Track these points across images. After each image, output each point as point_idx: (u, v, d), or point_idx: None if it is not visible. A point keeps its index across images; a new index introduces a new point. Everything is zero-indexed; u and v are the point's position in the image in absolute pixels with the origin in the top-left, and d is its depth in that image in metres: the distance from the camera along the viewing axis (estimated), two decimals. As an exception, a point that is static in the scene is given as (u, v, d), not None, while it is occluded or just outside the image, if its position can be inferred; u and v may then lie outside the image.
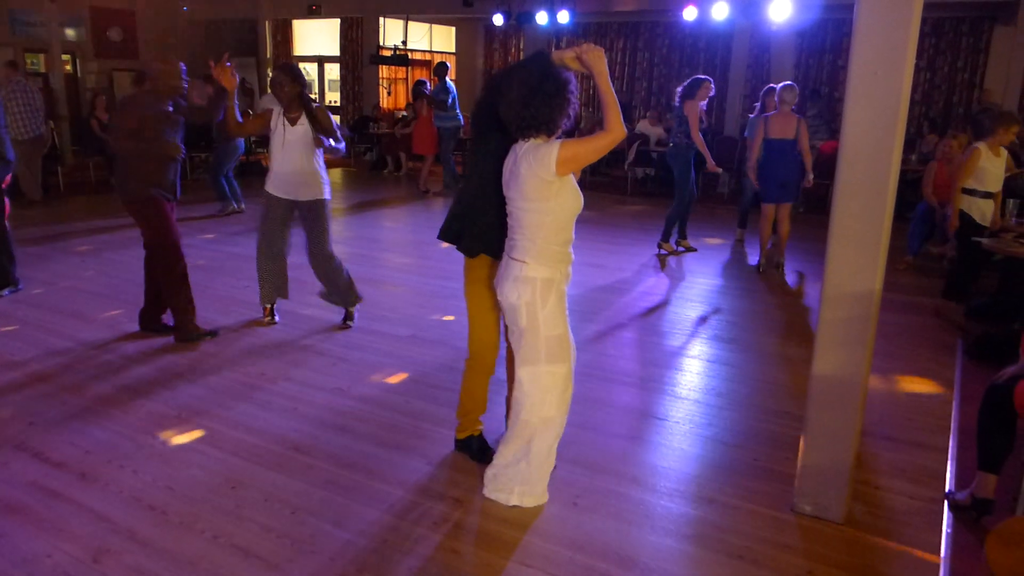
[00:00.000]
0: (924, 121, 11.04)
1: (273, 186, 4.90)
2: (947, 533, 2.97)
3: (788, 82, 7.04)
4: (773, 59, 12.34)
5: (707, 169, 7.66)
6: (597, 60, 2.76)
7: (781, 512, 3.08)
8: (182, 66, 4.72)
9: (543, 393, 2.91)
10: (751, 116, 8.13)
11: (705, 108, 7.45)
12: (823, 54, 12.31)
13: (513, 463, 3.05)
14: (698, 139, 7.27)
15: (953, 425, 3.92)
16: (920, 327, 5.56)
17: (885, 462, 3.52)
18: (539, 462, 3.02)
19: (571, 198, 2.82)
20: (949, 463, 3.53)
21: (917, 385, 4.48)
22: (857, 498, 3.16)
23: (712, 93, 7.38)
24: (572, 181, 2.84)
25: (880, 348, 2.90)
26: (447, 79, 10.86)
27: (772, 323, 5.71)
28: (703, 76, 7.41)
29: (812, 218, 9.55)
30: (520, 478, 3.04)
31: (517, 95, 2.76)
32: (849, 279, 2.82)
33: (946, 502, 3.15)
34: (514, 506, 3.06)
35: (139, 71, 9.57)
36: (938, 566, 2.77)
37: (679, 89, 7.43)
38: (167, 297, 4.88)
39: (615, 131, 2.70)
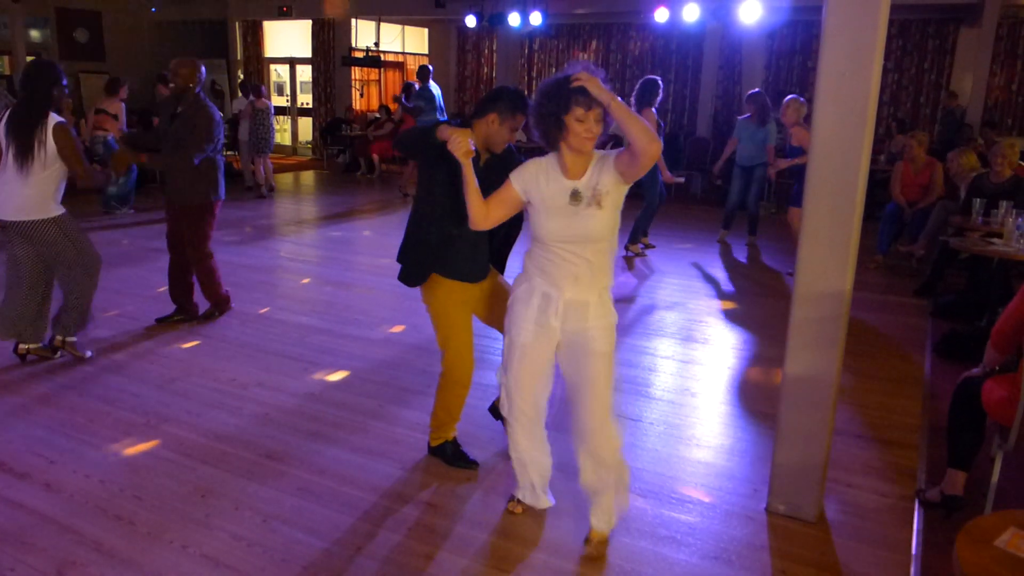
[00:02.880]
0: (892, 122, 11.20)
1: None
2: (918, 530, 3.00)
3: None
4: (744, 61, 12.45)
5: (664, 180, 7.69)
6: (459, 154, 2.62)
7: (754, 512, 3.10)
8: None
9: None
10: (740, 118, 8.22)
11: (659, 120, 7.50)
12: (793, 56, 12.45)
13: None
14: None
15: (923, 423, 3.97)
16: (890, 325, 5.63)
17: (857, 460, 3.55)
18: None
19: (537, 222, 2.64)
20: (919, 461, 3.57)
21: (887, 383, 4.52)
22: (829, 497, 3.18)
23: (660, 98, 7.43)
24: (541, 210, 2.61)
25: (850, 347, 2.92)
26: (428, 82, 10.75)
27: (746, 323, 5.75)
28: (656, 79, 7.36)
29: (786, 218, 9.62)
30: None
31: None
32: (820, 279, 2.84)
33: (917, 499, 3.19)
34: (487, 509, 3.05)
35: (112, 78, 9.43)
36: (909, 563, 2.80)
37: (634, 93, 7.32)
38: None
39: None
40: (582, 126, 2.48)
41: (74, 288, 4.46)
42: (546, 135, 2.57)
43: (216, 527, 2.91)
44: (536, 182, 2.61)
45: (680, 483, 3.34)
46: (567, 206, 2.56)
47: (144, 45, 14.90)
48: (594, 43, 13.97)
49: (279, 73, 16.27)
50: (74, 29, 14.03)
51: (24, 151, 4.10)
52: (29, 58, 13.22)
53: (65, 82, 4.32)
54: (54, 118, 4.15)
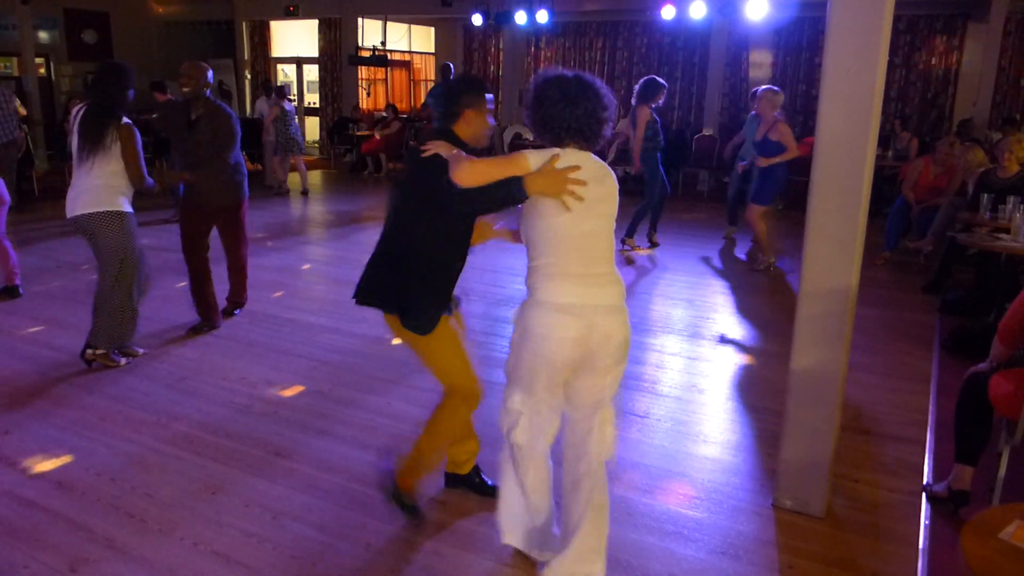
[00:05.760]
0: (897, 119, 11.15)
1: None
2: (925, 525, 3.00)
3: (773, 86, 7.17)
4: (751, 58, 12.42)
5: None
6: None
7: (762, 507, 3.10)
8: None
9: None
10: (750, 114, 8.20)
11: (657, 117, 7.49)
12: (800, 52, 12.40)
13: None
14: (637, 146, 7.40)
15: (930, 418, 3.96)
16: (897, 322, 5.62)
17: (864, 456, 3.55)
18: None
19: None
20: (927, 456, 3.57)
21: (894, 379, 4.52)
22: (837, 492, 3.18)
23: (662, 101, 7.45)
24: None
25: (857, 343, 2.93)
26: (447, 79, 10.67)
27: (753, 319, 5.75)
28: (657, 78, 7.44)
29: (792, 215, 9.61)
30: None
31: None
32: (826, 275, 2.84)
33: (924, 494, 3.19)
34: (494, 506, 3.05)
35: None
36: (917, 557, 2.80)
37: (635, 88, 7.49)
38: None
39: None
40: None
41: (110, 301, 4.39)
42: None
43: (226, 524, 2.94)
44: None
45: (687, 479, 3.35)
46: None
47: (152, 46, 14.96)
48: (601, 41, 13.95)
49: (286, 73, 16.32)
50: (82, 30, 14.10)
51: (94, 147, 4.18)
52: (38, 59, 13.32)
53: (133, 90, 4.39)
54: (125, 119, 4.27)
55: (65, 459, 3.42)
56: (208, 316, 5.15)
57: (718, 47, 12.64)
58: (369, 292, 2.82)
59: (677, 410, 4.06)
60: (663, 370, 4.65)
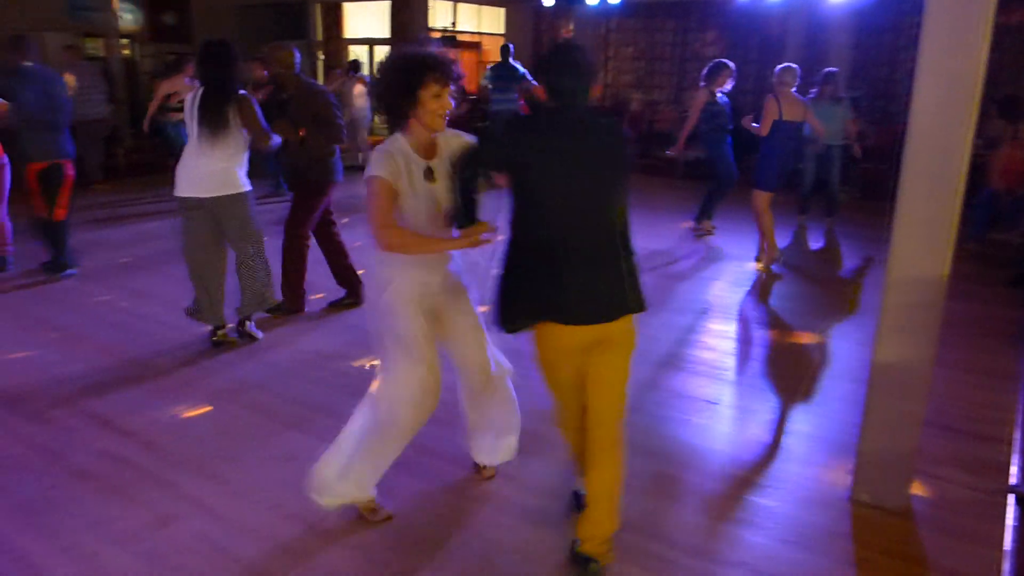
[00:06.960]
0: (991, 104, 10.62)
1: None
2: (1012, 526, 2.89)
3: (788, 63, 6.74)
4: (830, 40, 12.00)
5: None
6: None
7: (836, 499, 3.04)
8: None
9: None
10: (810, 98, 7.90)
11: (725, 99, 7.28)
12: (882, 34, 11.92)
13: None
14: (686, 128, 7.35)
15: (1018, 418, 3.81)
16: (983, 317, 5.40)
17: (946, 453, 3.44)
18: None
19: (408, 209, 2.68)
20: (1015, 456, 3.43)
21: (977, 375, 4.35)
22: (916, 488, 3.09)
23: (731, 82, 7.22)
24: (410, 196, 2.63)
25: (941, 336, 2.82)
26: (506, 60, 10.31)
27: (828, 308, 5.60)
28: (725, 61, 7.24)
29: (869, 204, 9.31)
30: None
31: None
32: (916, 264, 2.76)
33: (1010, 495, 3.07)
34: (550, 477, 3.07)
35: (175, 58, 9.50)
36: (1001, 559, 2.71)
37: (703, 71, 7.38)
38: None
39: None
40: (437, 102, 2.57)
41: (256, 268, 4.51)
42: (395, 110, 2.60)
43: (305, 489, 3.03)
44: (404, 169, 2.56)
45: (757, 467, 3.30)
46: (426, 185, 2.60)
47: (229, 27, 15.34)
48: (672, 23, 13.69)
49: (358, 54, 16.53)
50: (163, 12, 14.55)
51: (216, 128, 4.19)
52: (123, 41, 13.81)
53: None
54: (240, 91, 4.31)
55: (153, 421, 3.59)
56: (351, 287, 5.29)
57: (795, 29, 12.26)
58: (620, 302, 2.54)
59: (746, 397, 4.00)
60: (733, 357, 4.58)
